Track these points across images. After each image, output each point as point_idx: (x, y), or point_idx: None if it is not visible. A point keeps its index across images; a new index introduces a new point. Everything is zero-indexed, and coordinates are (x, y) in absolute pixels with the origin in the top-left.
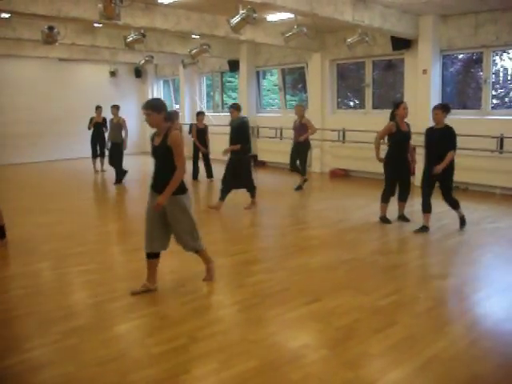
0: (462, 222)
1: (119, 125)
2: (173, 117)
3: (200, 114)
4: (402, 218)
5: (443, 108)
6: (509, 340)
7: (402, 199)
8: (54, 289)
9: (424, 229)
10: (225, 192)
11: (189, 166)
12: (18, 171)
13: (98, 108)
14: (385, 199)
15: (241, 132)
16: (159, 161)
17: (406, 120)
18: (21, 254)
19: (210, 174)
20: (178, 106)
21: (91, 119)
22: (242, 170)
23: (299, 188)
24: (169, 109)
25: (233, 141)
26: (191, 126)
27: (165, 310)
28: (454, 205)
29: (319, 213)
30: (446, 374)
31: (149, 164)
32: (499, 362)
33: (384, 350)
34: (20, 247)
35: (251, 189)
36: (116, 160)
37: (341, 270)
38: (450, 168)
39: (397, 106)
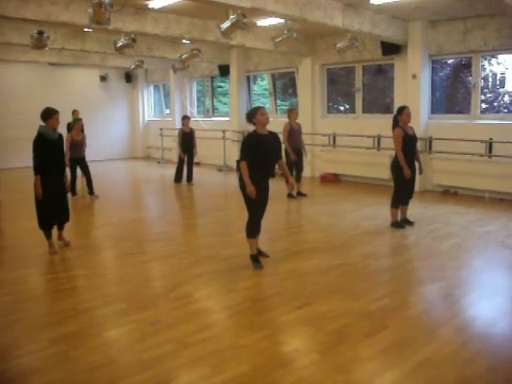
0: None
1: None
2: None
3: (185, 118)
4: (406, 221)
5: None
6: (499, 342)
7: (407, 202)
8: (43, 294)
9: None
10: (48, 227)
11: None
12: (8, 176)
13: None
14: (396, 204)
15: (62, 146)
16: None
17: (409, 124)
18: (9, 259)
19: (190, 178)
20: (168, 111)
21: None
22: (62, 194)
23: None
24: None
25: (60, 160)
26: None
27: (155, 316)
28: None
29: (310, 217)
30: (437, 377)
31: (136, 168)
32: (489, 364)
33: (375, 354)
34: (8, 253)
35: (66, 218)
36: None
37: (332, 274)
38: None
39: (400, 112)
